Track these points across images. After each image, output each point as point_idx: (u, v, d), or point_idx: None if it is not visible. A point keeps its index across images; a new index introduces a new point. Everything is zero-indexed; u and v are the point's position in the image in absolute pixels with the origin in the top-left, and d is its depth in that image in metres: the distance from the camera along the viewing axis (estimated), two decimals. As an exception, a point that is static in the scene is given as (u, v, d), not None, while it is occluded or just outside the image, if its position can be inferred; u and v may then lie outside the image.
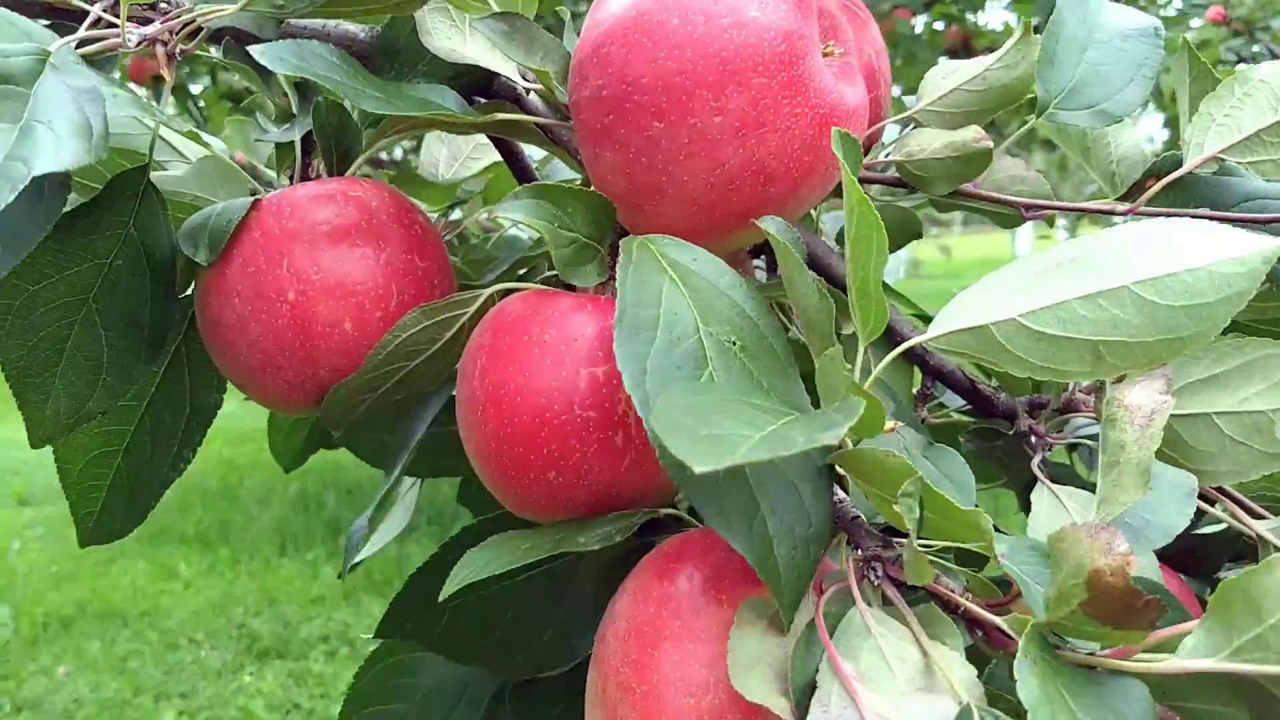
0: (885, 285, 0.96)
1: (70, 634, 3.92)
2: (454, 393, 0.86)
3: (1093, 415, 0.84)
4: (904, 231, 0.82)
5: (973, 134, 0.72)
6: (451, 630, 0.69)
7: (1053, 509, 0.75)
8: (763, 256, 0.87)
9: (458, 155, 1.04)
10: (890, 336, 0.67)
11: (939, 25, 5.98)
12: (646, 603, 0.55)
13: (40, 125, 0.55)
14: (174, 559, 4.59)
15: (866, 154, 0.78)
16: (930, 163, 0.73)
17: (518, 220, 0.58)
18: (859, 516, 0.56)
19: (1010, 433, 0.80)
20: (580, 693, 0.73)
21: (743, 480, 0.50)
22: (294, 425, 1.03)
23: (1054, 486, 0.76)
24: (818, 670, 0.48)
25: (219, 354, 0.68)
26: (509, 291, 0.65)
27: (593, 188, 0.62)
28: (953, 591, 0.52)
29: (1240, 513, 0.71)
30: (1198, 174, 0.72)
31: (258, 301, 0.65)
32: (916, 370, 0.83)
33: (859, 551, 0.54)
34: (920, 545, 0.49)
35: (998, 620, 0.50)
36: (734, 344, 0.54)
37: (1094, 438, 0.87)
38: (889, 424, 0.52)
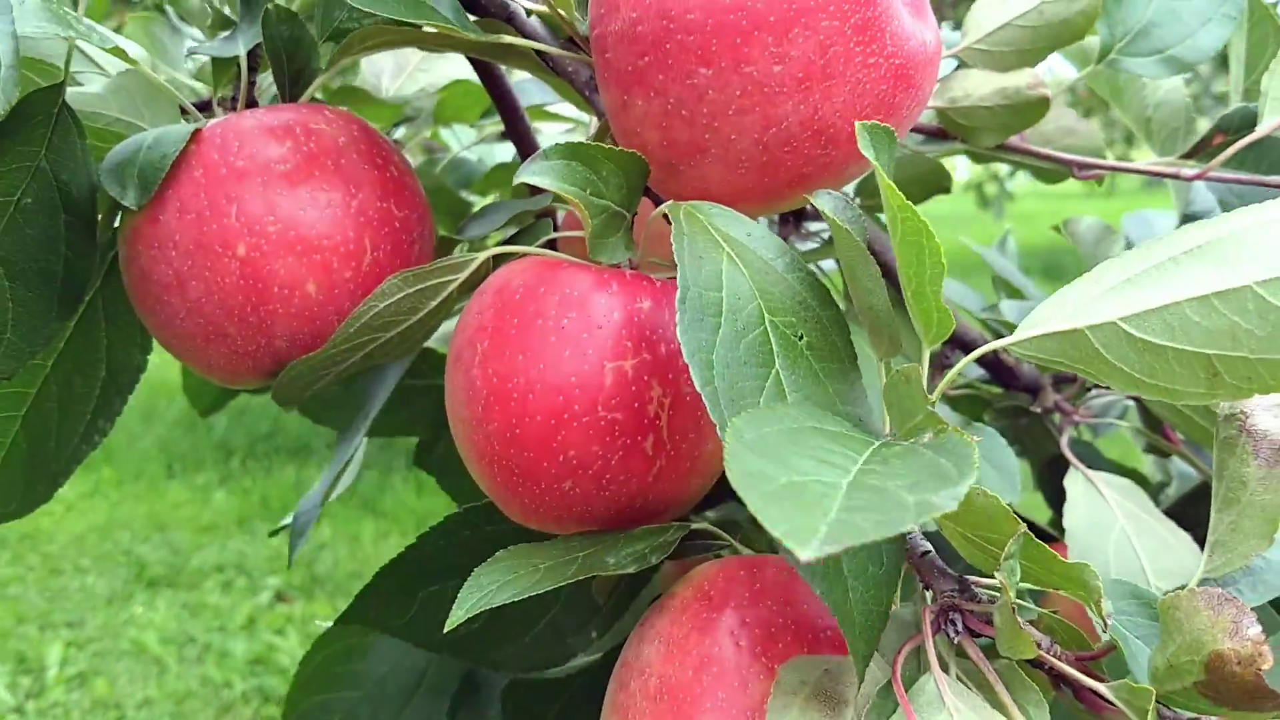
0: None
1: (-59, 556, 3.71)
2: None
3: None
4: (930, 186, 0.74)
5: (1027, 79, 0.63)
6: (424, 617, 0.61)
7: (1090, 499, 0.68)
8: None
9: (404, 67, 0.91)
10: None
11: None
12: (683, 662, 0.46)
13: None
14: (54, 480, 4.36)
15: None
16: (978, 110, 0.64)
17: (549, 188, 0.48)
18: (930, 551, 0.47)
19: (1035, 409, 0.73)
20: (579, 694, 0.66)
21: (814, 505, 0.42)
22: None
23: (1089, 472, 0.70)
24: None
25: (149, 315, 0.57)
26: (503, 256, 0.56)
27: (613, 137, 0.52)
28: (1039, 645, 0.44)
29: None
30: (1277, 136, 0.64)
31: (200, 255, 0.54)
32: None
33: (932, 597, 0.46)
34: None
35: (1098, 685, 0.42)
36: (799, 338, 0.45)
37: (1121, 415, 0.81)
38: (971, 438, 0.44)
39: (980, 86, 0.63)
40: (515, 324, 0.50)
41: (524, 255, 0.54)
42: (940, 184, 0.72)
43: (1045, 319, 0.45)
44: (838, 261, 0.77)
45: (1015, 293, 0.93)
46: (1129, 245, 0.85)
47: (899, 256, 0.44)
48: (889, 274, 0.73)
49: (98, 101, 0.61)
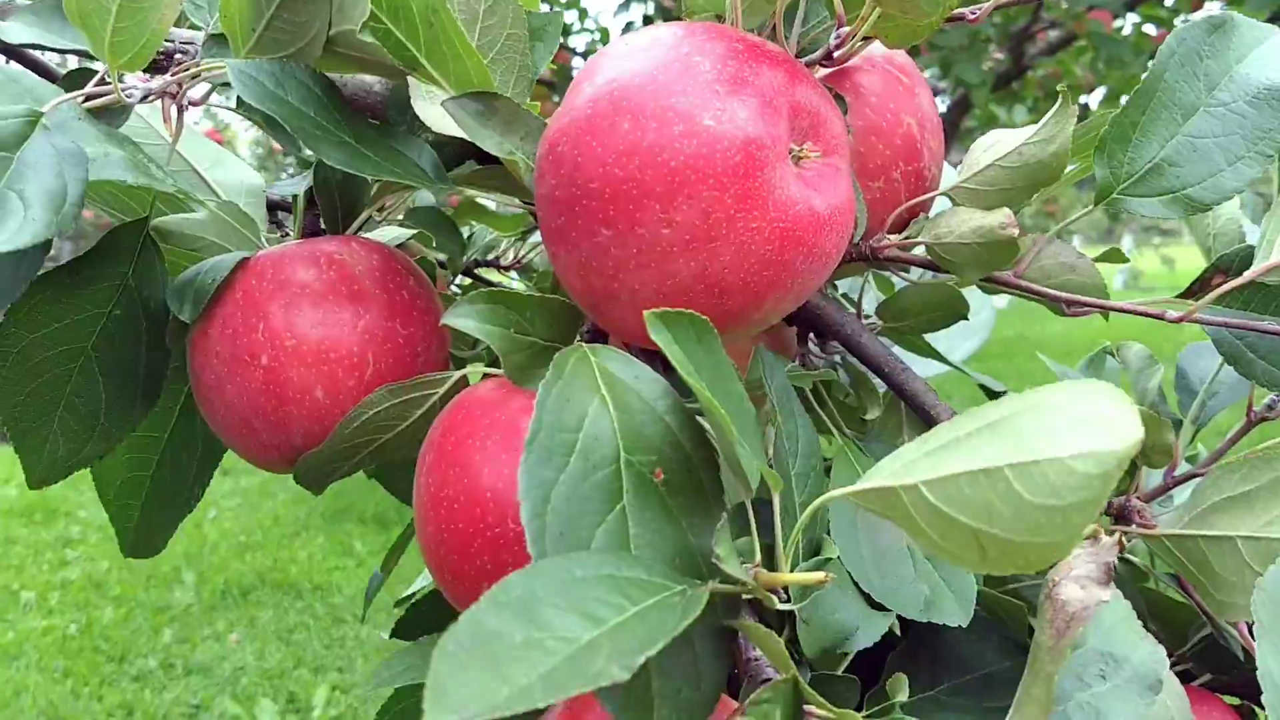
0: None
1: (246, 602, 4.15)
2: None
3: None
4: (949, 312, 0.74)
5: (1000, 218, 0.63)
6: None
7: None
8: (812, 336, 0.82)
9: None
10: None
11: (1149, 28, 5.68)
12: None
13: (13, 194, 0.55)
14: (351, 537, 4.79)
15: (902, 230, 0.70)
16: (957, 247, 0.64)
17: (470, 332, 0.55)
18: (758, 658, 0.51)
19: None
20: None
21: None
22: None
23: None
24: None
25: (202, 406, 0.68)
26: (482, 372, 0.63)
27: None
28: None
29: None
30: (1265, 281, 0.61)
31: (233, 364, 0.65)
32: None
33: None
34: None
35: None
36: (656, 474, 0.50)
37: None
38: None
39: (962, 224, 0.64)
40: (454, 441, 0.57)
41: (493, 377, 0.62)
42: (958, 311, 0.72)
43: (879, 473, 0.47)
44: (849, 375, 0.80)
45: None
46: (1182, 377, 0.81)
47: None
48: (898, 390, 0.73)
49: (199, 226, 0.74)
